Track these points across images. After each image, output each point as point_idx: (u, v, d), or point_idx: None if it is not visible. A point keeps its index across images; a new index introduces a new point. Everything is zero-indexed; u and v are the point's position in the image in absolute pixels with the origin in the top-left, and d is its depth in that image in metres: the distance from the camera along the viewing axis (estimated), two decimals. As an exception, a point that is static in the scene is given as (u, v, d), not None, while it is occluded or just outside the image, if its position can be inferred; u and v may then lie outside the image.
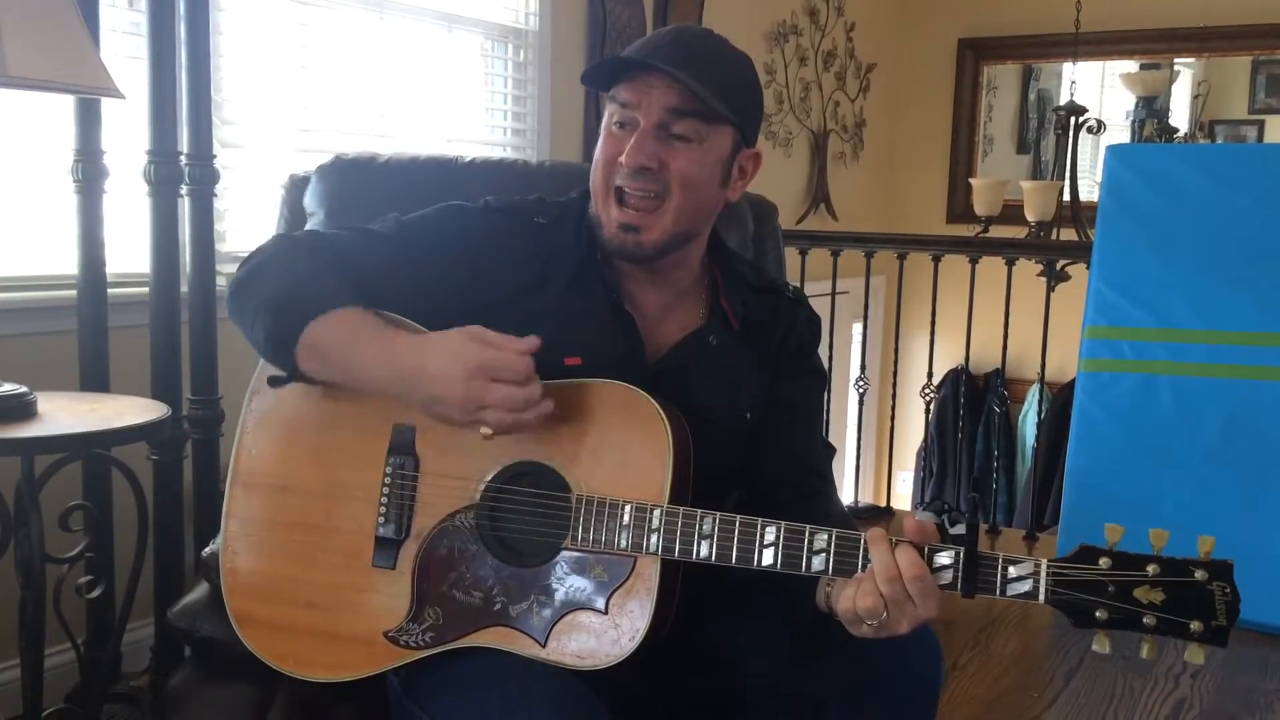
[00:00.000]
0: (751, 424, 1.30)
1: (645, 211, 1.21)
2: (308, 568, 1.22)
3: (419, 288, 1.23)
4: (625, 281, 1.28)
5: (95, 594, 1.91)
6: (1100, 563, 1.03)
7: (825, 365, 1.43)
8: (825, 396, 1.42)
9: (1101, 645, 1.03)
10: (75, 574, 1.88)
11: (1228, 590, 1.01)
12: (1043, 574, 1.03)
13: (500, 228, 1.27)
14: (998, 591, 1.04)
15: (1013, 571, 1.04)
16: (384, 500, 1.20)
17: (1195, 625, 1.01)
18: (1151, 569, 1.02)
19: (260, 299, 1.18)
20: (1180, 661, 2.57)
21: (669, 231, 1.22)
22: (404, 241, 1.25)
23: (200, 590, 1.46)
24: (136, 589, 1.87)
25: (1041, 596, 1.03)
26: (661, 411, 1.15)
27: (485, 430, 1.11)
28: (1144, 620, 1.01)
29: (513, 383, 1.09)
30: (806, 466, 1.32)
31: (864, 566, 1.06)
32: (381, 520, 1.20)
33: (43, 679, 1.73)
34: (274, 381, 1.22)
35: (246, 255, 1.26)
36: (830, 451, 1.38)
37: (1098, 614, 1.02)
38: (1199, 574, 1.01)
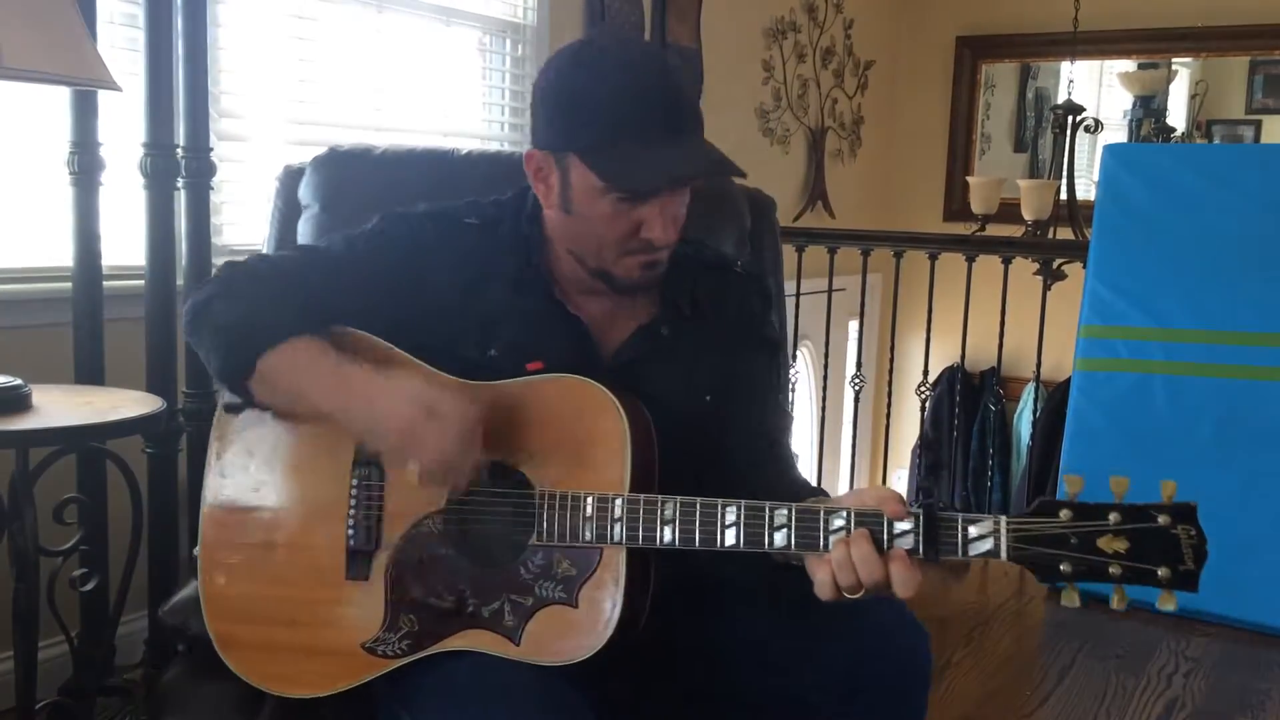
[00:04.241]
0: (712, 405, 1.31)
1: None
2: (285, 586, 1.22)
3: (371, 302, 1.24)
4: (569, 286, 1.27)
5: (89, 587, 1.91)
6: (1061, 515, 1.01)
7: (778, 334, 1.44)
8: (779, 364, 1.43)
9: (1070, 600, 1.02)
10: (69, 567, 1.88)
11: (1193, 533, 0.99)
12: (1003, 531, 1.02)
13: (430, 231, 1.27)
14: (959, 552, 1.03)
15: (973, 531, 1.03)
16: (352, 513, 1.21)
17: (1162, 571, 0.99)
18: (1113, 517, 1.00)
19: (212, 328, 1.21)
20: (1173, 660, 2.58)
21: (671, 253, 1.25)
22: (352, 259, 1.26)
23: (191, 587, 1.45)
24: (130, 582, 1.87)
25: (1003, 554, 1.02)
26: (617, 402, 1.15)
27: (413, 468, 1.12)
28: (1110, 570, 1.00)
29: (451, 424, 1.10)
30: (761, 435, 1.32)
31: (826, 540, 1.07)
32: (351, 533, 1.21)
33: (36, 672, 1.72)
34: (229, 408, 1.24)
35: (198, 284, 1.27)
36: (787, 420, 1.39)
37: (1062, 567, 1.01)
38: (1162, 519, 0.99)
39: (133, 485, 1.84)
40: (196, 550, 1.40)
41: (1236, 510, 2.75)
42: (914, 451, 5.19)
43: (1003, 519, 1.03)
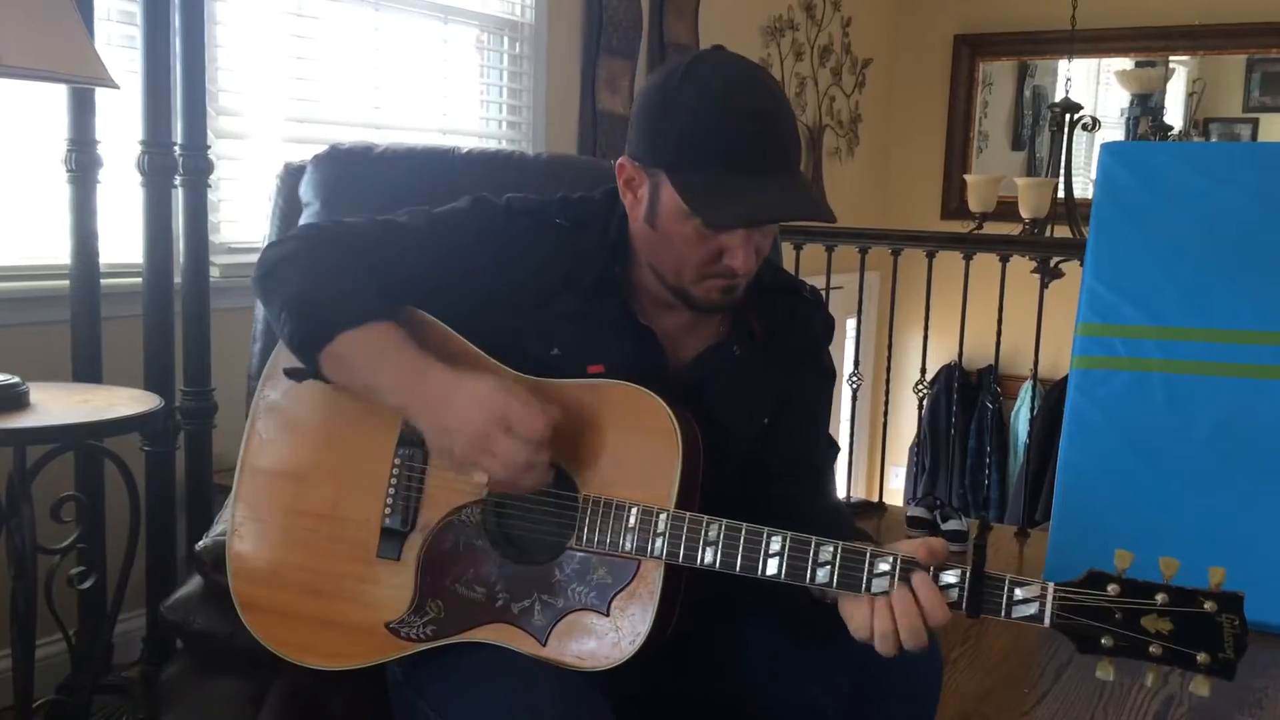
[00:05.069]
0: (769, 427, 1.30)
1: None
2: (313, 555, 1.22)
3: (445, 283, 1.23)
4: (645, 298, 1.26)
5: (87, 585, 1.90)
6: (1109, 589, 1.01)
7: (835, 365, 1.42)
8: (832, 393, 1.41)
9: (1105, 672, 1.02)
10: (67, 565, 1.87)
11: (1236, 623, 0.99)
12: (1049, 598, 1.02)
13: (523, 230, 1.25)
14: (1002, 613, 1.03)
15: (1019, 594, 1.03)
16: (391, 492, 1.20)
17: (1202, 657, 0.99)
18: (1160, 598, 1.00)
19: (287, 296, 1.17)
20: (1170, 658, 2.58)
21: (750, 281, 1.23)
22: (433, 235, 1.24)
23: (193, 583, 1.45)
24: (128, 580, 1.86)
25: (1047, 620, 1.02)
26: (672, 415, 1.14)
27: (480, 477, 1.11)
28: (1150, 649, 1.00)
29: (525, 441, 1.08)
30: (806, 462, 1.32)
31: (869, 582, 1.06)
32: (388, 512, 1.20)
33: (34, 669, 1.72)
34: (291, 374, 1.22)
35: (273, 241, 1.25)
36: (833, 450, 1.38)
37: (1104, 641, 1.01)
38: (1208, 605, 0.99)
39: (130, 483, 1.83)
40: (197, 546, 1.40)
41: (1233, 509, 2.76)
42: (911, 450, 5.20)
43: (1050, 585, 1.03)
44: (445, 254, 1.23)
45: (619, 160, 1.21)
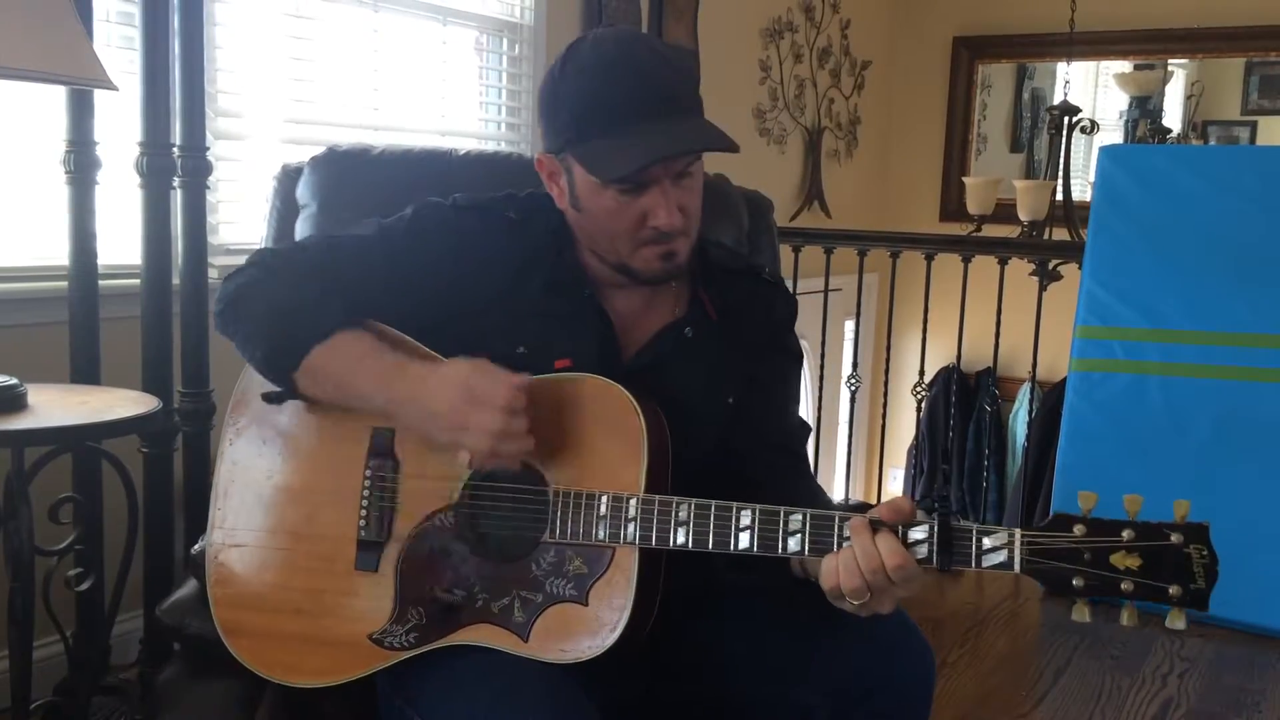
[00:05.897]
0: (733, 409, 1.31)
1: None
2: (292, 574, 1.22)
3: (403, 293, 1.24)
4: (598, 281, 1.27)
5: (84, 586, 1.90)
6: (1075, 530, 1.02)
7: (801, 346, 1.43)
8: (800, 376, 1.43)
9: (1081, 614, 1.03)
10: (65, 566, 1.87)
11: (1205, 552, 1.00)
12: (1017, 544, 1.03)
13: (474, 227, 1.26)
14: (973, 563, 1.04)
15: (987, 542, 1.04)
16: (364, 504, 1.21)
17: (1173, 589, 1.00)
18: (1127, 534, 1.01)
19: (255, 320, 1.20)
20: (1168, 661, 2.58)
21: (692, 246, 1.25)
22: (386, 247, 1.25)
23: (189, 587, 1.46)
24: (126, 582, 1.86)
25: (1017, 566, 1.03)
26: (635, 403, 1.15)
27: (463, 457, 1.12)
28: (1121, 586, 1.01)
29: (495, 409, 1.10)
30: (780, 445, 1.33)
31: (839, 545, 1.07)
32: (363, 524, 1.21)
33: (31, 671, 1.72)
34: (269, 397, 1.24)
35: (231, 272, 1.26)
36: (805, 430, 1.39)
37: (1075, 582, 1.02)
38: (1174, 537, 1.01)
39: (128, 485, 1.83)
40: (195, 548, 1.40)
41: (1231, 512, 2.74)
42: (910, 452, 5.20)
43: (1017, 531, 1.04)
44: (400, 263, 1.24)
45: (537, 157, 1.24)
